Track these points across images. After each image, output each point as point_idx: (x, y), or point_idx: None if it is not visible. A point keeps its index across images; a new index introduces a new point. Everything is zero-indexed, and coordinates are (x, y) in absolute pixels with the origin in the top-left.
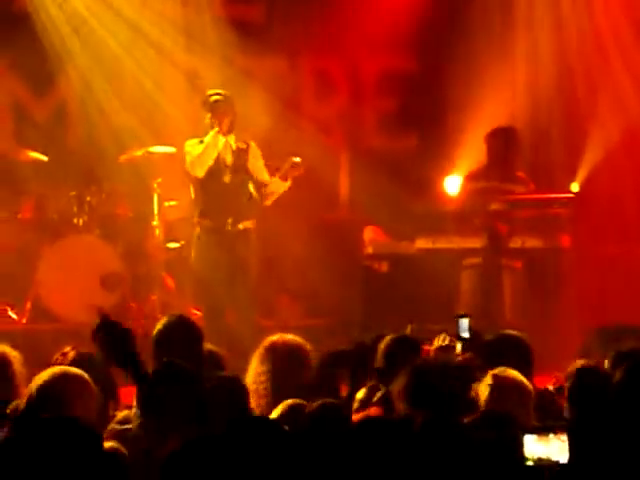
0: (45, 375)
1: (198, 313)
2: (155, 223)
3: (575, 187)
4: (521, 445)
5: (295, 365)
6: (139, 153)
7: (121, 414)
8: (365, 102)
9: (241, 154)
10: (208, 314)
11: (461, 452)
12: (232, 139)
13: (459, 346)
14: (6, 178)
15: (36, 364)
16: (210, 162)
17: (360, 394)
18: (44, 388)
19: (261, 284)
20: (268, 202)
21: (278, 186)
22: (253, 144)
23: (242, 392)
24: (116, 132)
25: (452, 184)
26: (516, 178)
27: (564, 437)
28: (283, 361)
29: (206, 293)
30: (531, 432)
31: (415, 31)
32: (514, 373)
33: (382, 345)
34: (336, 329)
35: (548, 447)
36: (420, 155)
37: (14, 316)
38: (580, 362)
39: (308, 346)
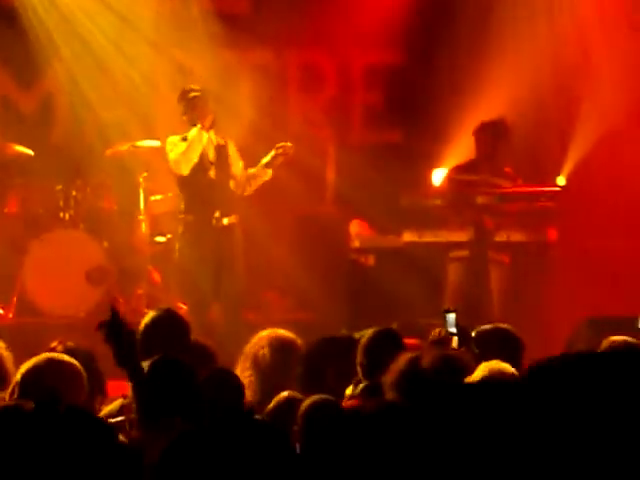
0: (31, 362)
1: (184, 307)
2: (141, 217)
3: (562, 180)
4: None
5: (288, 360)
6: (125, 147)
7: (107, 408)
8: (352, 96)
9: (222, 150)
10: (194, 309)
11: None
12: (212, 135)
13: (455, 340)
14: None
15: (23, 358)
16: (195, 159)
17: (349, 390)
18: (30, 375)
19: (247, 278)
20: (249, 191)
21: (260, 172)
22: (230, 141)
23: (236, 386)
24: (102, 126)
25: (438, 176)
26: (504, 173)
27: None
28: (275, 356)
29: (192, 288)
30: None
31: (403, 25)
32: (506, 366)
33: (364, 339)
34: (322, 323)
35: None
36: (407, 149)
37: (0, 310)
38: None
39: (299, 341)
